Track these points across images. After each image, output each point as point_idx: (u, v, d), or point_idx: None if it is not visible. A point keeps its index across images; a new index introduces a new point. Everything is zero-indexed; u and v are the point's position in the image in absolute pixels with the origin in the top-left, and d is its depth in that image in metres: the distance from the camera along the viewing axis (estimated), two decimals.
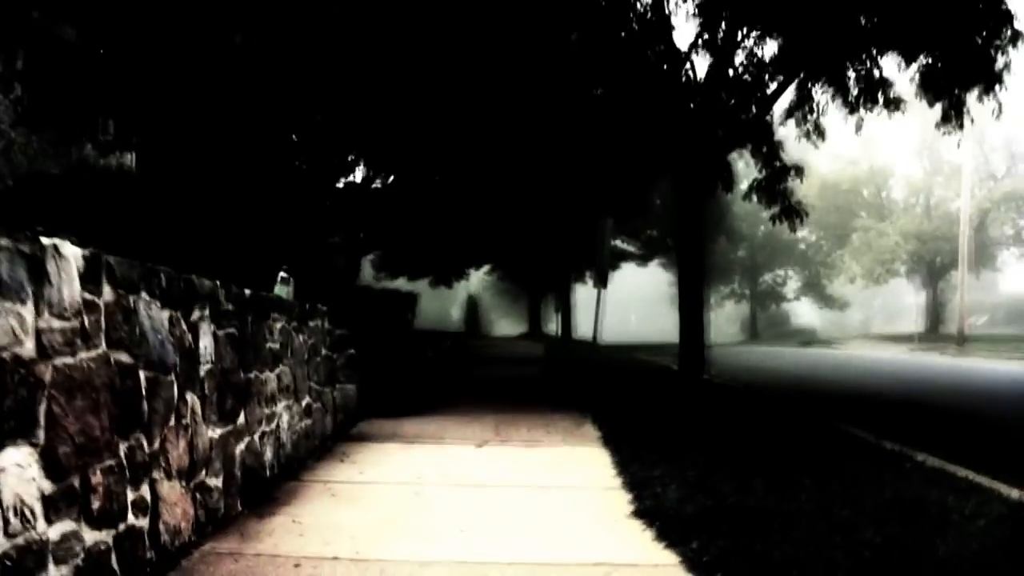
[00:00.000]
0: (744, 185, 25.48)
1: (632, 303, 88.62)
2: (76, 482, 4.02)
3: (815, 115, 20.25)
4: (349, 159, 32.23)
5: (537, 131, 22.44)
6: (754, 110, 18.34)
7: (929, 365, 32.00)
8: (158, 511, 4.96)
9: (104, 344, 4.38)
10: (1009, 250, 65.65)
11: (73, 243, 4.12)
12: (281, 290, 8.92)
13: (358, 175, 34.28)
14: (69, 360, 4.00)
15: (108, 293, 4.45)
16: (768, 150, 18.73)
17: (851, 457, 8.83)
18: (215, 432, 6.02)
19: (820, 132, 20.52)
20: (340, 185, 33.10)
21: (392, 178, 34.66)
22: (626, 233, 47.78)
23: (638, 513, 6.37)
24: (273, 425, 7.54)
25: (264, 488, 6.98)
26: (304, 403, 8.77)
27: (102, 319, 4.37)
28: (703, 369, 18.58)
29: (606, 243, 21.28)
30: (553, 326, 57.12)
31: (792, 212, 18.90)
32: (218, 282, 6.19)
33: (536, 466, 8.41)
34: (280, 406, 7.81)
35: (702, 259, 18.53)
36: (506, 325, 76.30)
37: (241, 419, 6.63)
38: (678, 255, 19.11)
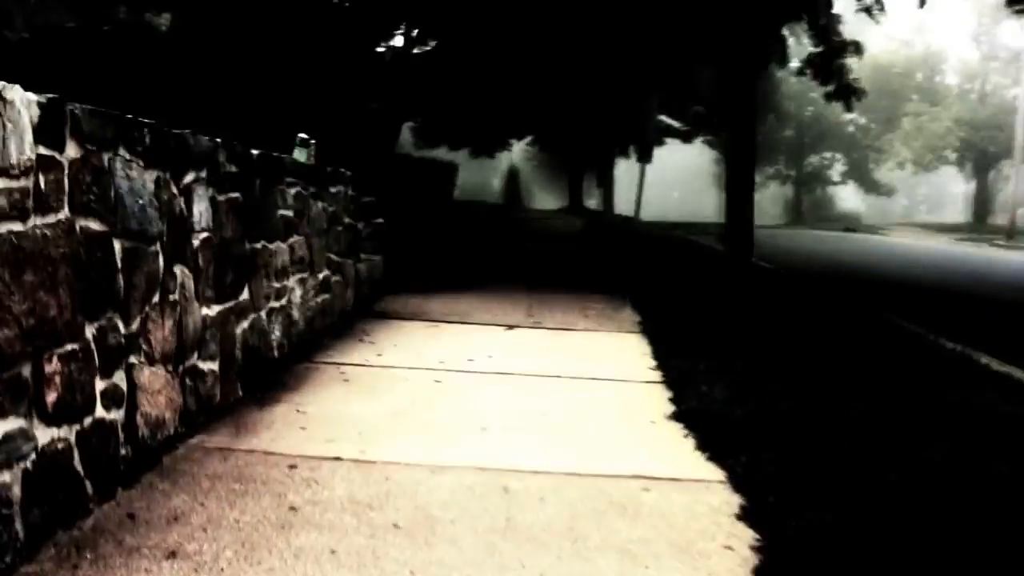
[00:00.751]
0: (795, 63, 24.48)
1: (675, 182, 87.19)
2: (26, 371, 3.40)
3: None
4: (391, 22, 31.45)
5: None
6: None
7: (981, 257, 30.98)
8: (136, 401, 4.36)
9: (67, 209, 3.73)
10: None
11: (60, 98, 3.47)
12: (301, 154, 8.20)
13: (398, 40, 33.46)
14: (16, 227, 3.34)
15: (73, 149, 3.78)
16: (825, 23, 17.58)
17: (909, 356, 8.17)
18: (211, 310, 5.39)
19: (881, 5, 19.38)
20: (381, 50, 32.38)
21: (434, 43, 33.78)
22: (671, 108, 46.48)
23: (679, 415, 5.74)
24: (284, 301, 6.92)
25: (270, 371, 6.38)
26: (321, 276, 8.14)
27: (64, 180, 3.71)
28: (750, 252, 17.75)
29: (651, 117, 20.43)
30: (594, 201, 56.20)
31: (848, 91, 17.78)
32: (219, 140, 5.50)
33: (569, 354, 7.76)
34: (292, 280, 7.17)
35: (753, 137, 17.52)
36: (546, 199, 75.32)
37: (244, 295, 6.00)
38: (728, 132, 18.08)
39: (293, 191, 7.14)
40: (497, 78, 31.04)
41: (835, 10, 18.70)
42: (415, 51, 33.52)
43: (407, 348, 7.68)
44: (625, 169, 55.04)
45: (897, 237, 46.95)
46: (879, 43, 60.05)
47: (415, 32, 32.48)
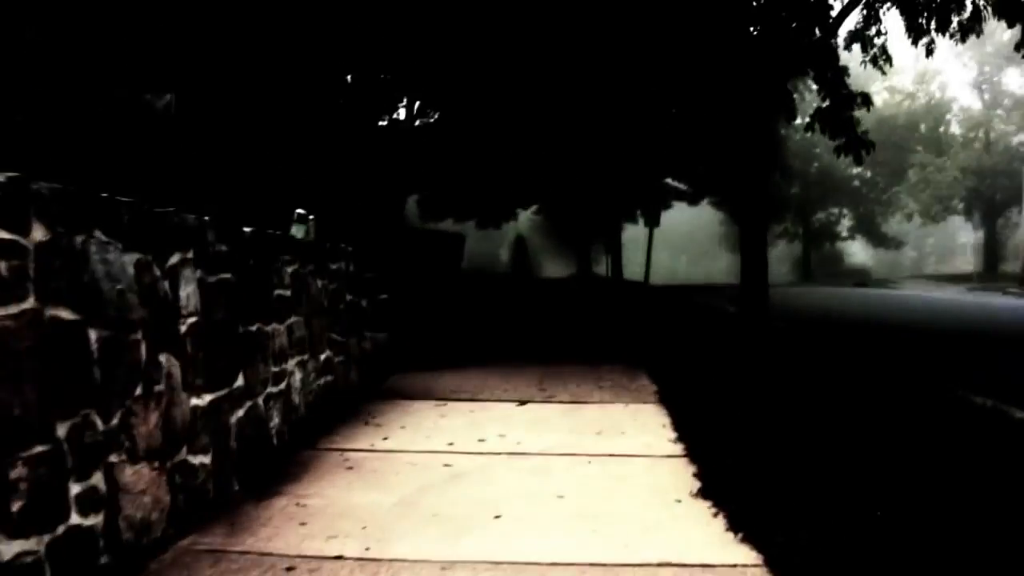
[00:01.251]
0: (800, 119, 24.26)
1: (682, 245, 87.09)
2: None
3: (883, 38, 18.97)
4: (394, 95, 31.46)
5: (587, 65, 21.42)
6: (818, 33, 17.01)
7: (1001, 306, 30.48)
8: (117, 504, 4.01)
9: (33, 298, 3.42)
10: None
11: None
12: (299, 230, 7.92)
13: (401, 113, 33.43)
14: None
15: (40, 232, 3.49)
16: (832, 76, 17.31)
17: (963, 429, 7.74)
18: (202, 399, 5.05)
19: (887, 57, 19.20)
20: (384, 123, 32.34)
21: (437, 116, 33.76)
22: (676, 171, 46.34)
23: (705, 492, 5.35)
24: (283, 385, 6.58)
25: (269, 461, 6.02)
26: (323, 357, 7.80)
27: (30, 265, 3.41)
28: (765, 313, 17.35)
29: (658, 181, 20.33)
30: (602, 268, 55.99)
31: (858, 144, 17.44)
32: (207, 218, 5.20)
33: (584, 429, 7.38)
34: (292, 363, 6.83)
35: (764, 195, 17.18)
36: (555, 266, 75.25)
37: (239, 381, 5.67)
38: (739, 192, 17.72)
39: (290, 269, 6.83)
40: (500, 148, 30.98)
41: (841, 62, 18.51)
42: (417, 123, 33.52)
43: (415, 430, 7.31)
44: (632, 234, 54.84)
45: (909, 289, 46.44)
46: (882, 95, 60.08)
47: (417, 104, 32.49)
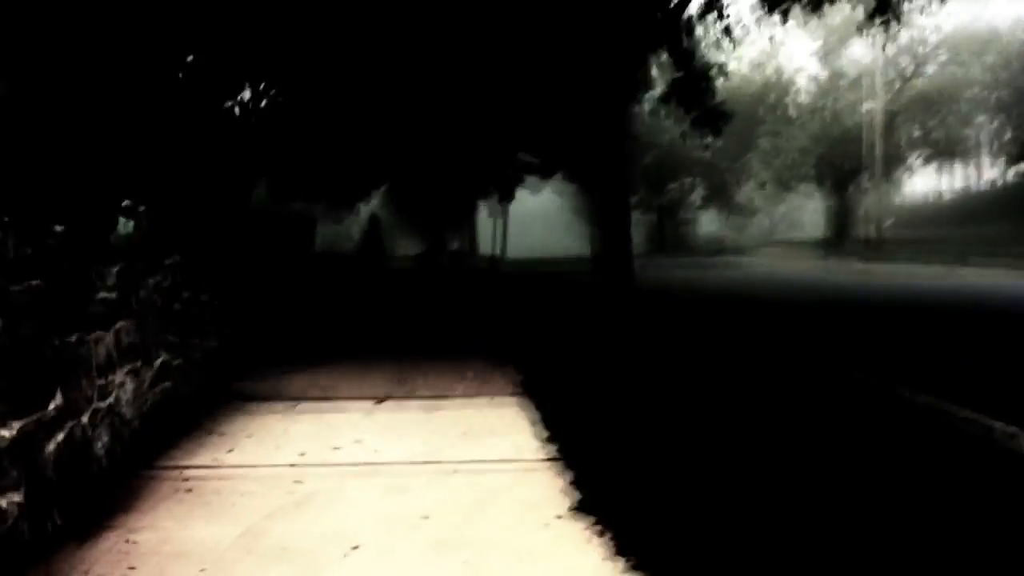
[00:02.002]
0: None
1: (534, 220, 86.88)
2: None
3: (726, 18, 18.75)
4: (237, 77, 30.40)
5: (435, 40, 20.85)
6: (672, 4, 16.63)
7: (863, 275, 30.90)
8: None
9: None
10: (916, 153, 65.16)
11: None
12: (126, 224, 7.20)
13: (247, 94, 32.34)
14: None
15: None
16: (687, 47, 16.96)
17: (865, 413, 7.45)
18: (9, 429, 4.36)
19: (729, 35, 18.97)
20: (229, 105, 31.25)
21: (281, 97, 32.75)
22: (529, 145, 45.95)
23: (584, 506, 4.87)
24: (111, 399, 5.89)
25: (98, 489, 5.34)
26: (158, 363, 7.10)
27: None
28: (631, 280, 16.89)
29: (512, 156, 19.88)
30: (456, 243, 55.52)
31: (715, 115, 17.11)
32: (6, 219, 4.49)
33: (447, 430, 6.84)
34: (121, 373, 6.14)
35: (623, 165, 16.66)
36: (408, 245, 74.49)
37: (57, 401, 4.97)
38: (598, 163, 17.06)
39: (116, 269, 6.13)
40: (347, 128, 30.18)
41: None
42: (263, 104, 32.53)
43: (262, 438, 6.68)
44: (485, 211, 54.31)
45: (764, 259, 47.01)
46: (731, 66, 60.41)
47: (262, 85, 31.51)
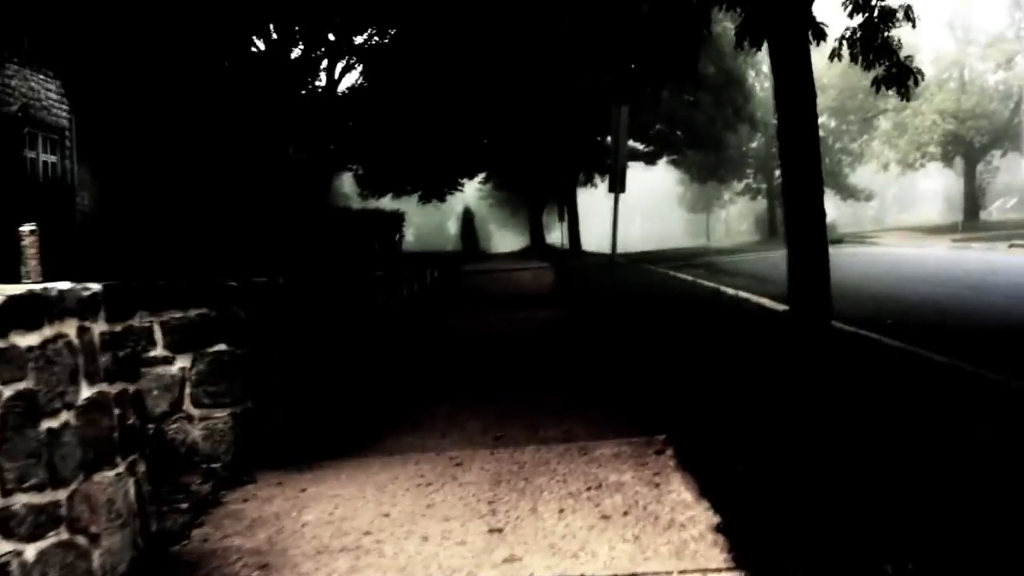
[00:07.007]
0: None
1: (636, 206, 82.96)
2: None
3: None
4: (315, 57, 27.95)
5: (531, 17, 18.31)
6: None
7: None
8: None
9: None
10: None
11: None
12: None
13: (322, 78, 29.60)
14: None
15: None
16: None
17: None
18: None
19: None
20: (304, 92, 28.67)
21: (363, 79, 29.95)
22: (632, 129, 42.52)
23: None
24: None
25: None
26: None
27: None
28: (828, 314, 10.61)
29: (622, 139, 16.42)
30: (557, 235, 52.17)
31: (903, 73, 12.75)
32: None
33: None
34: None
35: (816, 141, 11.35)
36: (506, 238, 71.88)
37: None
38: (780, 123, 12.03)
39: None
40: (436, 110, 27.25)
41: None
42: (342, 90, 29.70)
43: None
44: (584, 196, 50.67)
45: (892, 247, 40.93)
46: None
47: (339, 67, 28.68)
